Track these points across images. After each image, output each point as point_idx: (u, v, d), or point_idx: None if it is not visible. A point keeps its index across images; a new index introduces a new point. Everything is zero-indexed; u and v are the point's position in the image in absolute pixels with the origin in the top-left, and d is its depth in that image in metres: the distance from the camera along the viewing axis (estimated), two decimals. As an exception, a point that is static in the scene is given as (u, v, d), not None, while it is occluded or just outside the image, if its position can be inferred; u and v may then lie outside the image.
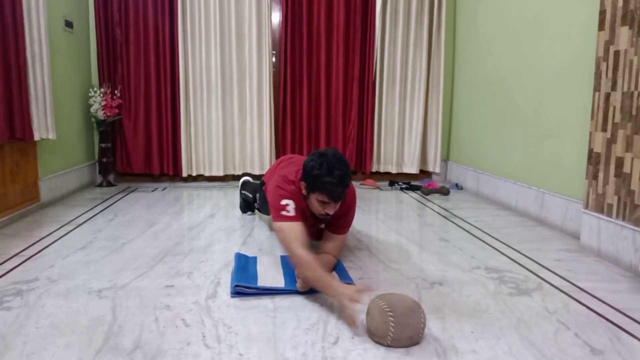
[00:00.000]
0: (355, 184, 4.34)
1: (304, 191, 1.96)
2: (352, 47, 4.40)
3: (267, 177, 2.51)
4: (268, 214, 2.55)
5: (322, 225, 2.21)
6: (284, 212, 1.88)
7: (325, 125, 4.45)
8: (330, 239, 2.08)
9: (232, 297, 1.80)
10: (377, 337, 1.46)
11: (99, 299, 1.77)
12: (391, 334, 1.42)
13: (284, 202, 1.90)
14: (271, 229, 2.73)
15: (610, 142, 2.29)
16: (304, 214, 2.01)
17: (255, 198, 2.82)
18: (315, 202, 1.91)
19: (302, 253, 1.73)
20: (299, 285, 1.80)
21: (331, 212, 1.92)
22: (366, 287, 1.64)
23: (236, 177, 4.44)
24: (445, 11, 4.37)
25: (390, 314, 1.43)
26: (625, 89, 2.19)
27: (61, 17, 3.64)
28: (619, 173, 2.23)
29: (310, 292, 1.82)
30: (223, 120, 4.31)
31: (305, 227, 1.90)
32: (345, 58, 4.39)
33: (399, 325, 1.42)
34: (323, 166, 1.82)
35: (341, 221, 2.09)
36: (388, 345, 1.43)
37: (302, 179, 1.94)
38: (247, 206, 3.11)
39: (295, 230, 1.83)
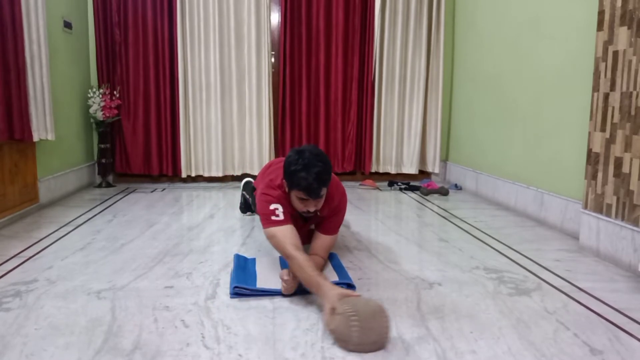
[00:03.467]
0: (354, 184, 4.38)
1: (286, 189, 1.94)
2: (351, 48, 4.40)
3: (258, 182, 2.49)
4: None
5: (313, 227, 2.21)
6: (273, 217, 1.88)
7: (325, 126, 4.45)
8: (318, 239, 2.05)
9: (231, 297, 1.80)
10: (341, 341, 1.43)
11: (98, 300, 1.77)
12: (355, 339, 1.39)
13: (272, 206, 1.89)
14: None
15: (609, 142, 2.29)
16: (293, 216, 2.01)
17: (253, 201, 2.82)
18: (295, 200, 1.90)
19: (297, 254, 1.74)
20: (282, 289, 1.79)
21: (312, 209, 1.90)
22: (352, 293, 1.57)
23: (235, 178, 4.44)
24: (444, 11, 4.38)
25: (354, 318, 1.40)
26: (624, 89, 2.19)
27: (60, 17, 3.64)
28: (618, 173, 2.23)
29: (302, 292, 1.82)
30: (222, 120, 4.31)
31: (295, 229, 1.91)
32: (345, 58, 4.40)
33: (363, 329, 1.39)
34: (299, 162, 1.82)
35: (330, 222, 2.07)
36: (351, 350, 1.41)
37: (283, 177, 1.93)
38: (247, 207, 3.11)
39: (286, 233, 1.84)
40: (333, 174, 2.02)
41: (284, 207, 1.91)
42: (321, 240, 2.06)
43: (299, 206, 1.91)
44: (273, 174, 2.11)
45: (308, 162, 1.81)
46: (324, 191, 1.87)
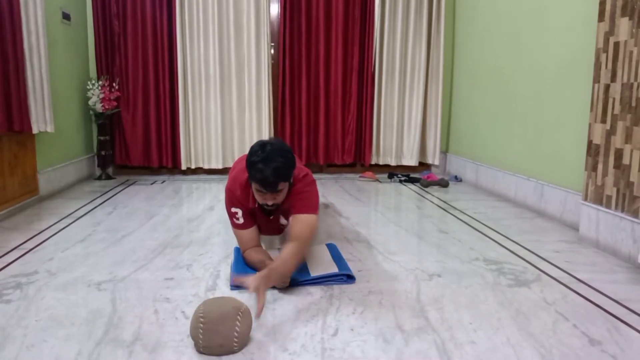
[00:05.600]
0: (354, 176, 4.38)
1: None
2: (351, 39, 4.38)
3: (233, 166, 2.41)
4: None
5: (283, 222, 2.18)
6: (234, 220, 2.01)
7: (324, 117, 4.44)
8: (294, 221, 1.91)
9: (231, 289, 1.80)
10: (193, 342, 1.39)
11: (98, 292, 1.77)
12: (200, 341, 1.35)
13: (233, 209, 2.00)
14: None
15: (610, 133, 2.28)
16: (254, 212, 2.03)
17: None
18: (255, 192, 1.88)
19: (247, 254, 1.99)
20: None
21: (269, 202, 1.87)
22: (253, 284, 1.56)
23: (235, 170, 4.43)
24: (444, 1, 4.35)
25: (202, 319, 1.36)
26: (625, 80, 2.19)
27: (58, 9, 3.61)
28: (618, 164, 2.23)
29: (302, 284, 1.83)
30: (222, 112, 4.30)
31: (256, 228, 2.07)
32: (345, 49, 4.37)
33: (208, 332, 1.34)
34: (258, 154, 1.79)
35: (296, 202, 1.94)
36: (200, 352, 1.36)
37: (246, 167, 1.90)
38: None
39: (244, 236, 2.02)
40: (300, 164, 2.02)
41: (243, 209, 1.99)
42: (297, 223, 1.89)
43: (258, 198, 1.89)
44: (234, 171, 2.09)
45: (268, 156, 1.77)
46: (282, 186, 1.82)
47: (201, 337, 1.35)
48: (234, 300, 1.45)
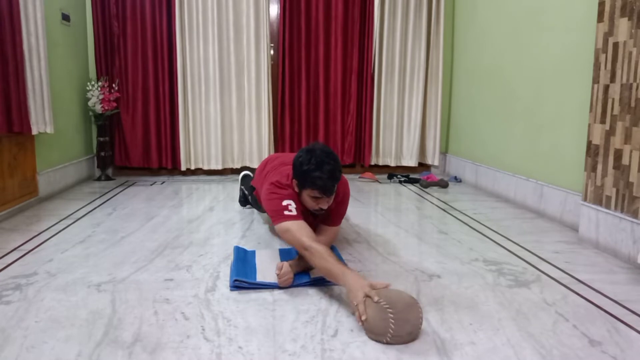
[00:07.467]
0: (354, 177, 4.38)
1: (296, 189, 1.97)
2: (350, 39, 4.38)
3: (256, 181, 2.49)
4: (263, 212, 2.57)
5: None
6: (286, 212, 1.87)
7: (324, 118, 4.44)
8: (322, 231, 2.08)
9: (231, 290, 1.80)
10: (376, 334, 1.44)
11: (98, 293, 1.77)
12: (391, 331, 1.40)
13: (285, 202, 1.90)
14: (270, 223, 2.72)
15: (609, 134, 2.29)
16: (303, 213, 2.03)
17: (253, 198, 2.81)
18: (308, 199, 1.92)
19: (316, 245, 1.73)
20: (278, 282, 1.79)
21: (325, 206, 1.93)
22: (381, 283, 1.54)
23: (235, 171, 4.44)
24: (444, 2, 4.35)
25: (390, 310, 1.42)
26: (624, 81, 2.19)
27: (58, 10, 3.61)
28: (617, 165, 2.23)
29: (302, 285, 1.83)
30: (221, 113, 4.30)
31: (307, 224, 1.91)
32: (344, 50, 4.38)
33: (399, 321, 1.40)
34: (312, 161, 1.84)
35: (334, 213, 2.09)
36: (387, 342, 1.41)
37: (293, 176, 1.95)
38: (246, 200, 3.11)
39: (301, 226, 1.84)
40: None
41: (296, 204, 1.93)
42: (326, 233, 2.07)
43: (312, 204, 1.93)
44: (276, 175, 2.11)
45: (320, 161, 1.84)
46: (335, 187, 1.91)
47: (392, 327, 1.40)
48: (401, 290, 1.54)
